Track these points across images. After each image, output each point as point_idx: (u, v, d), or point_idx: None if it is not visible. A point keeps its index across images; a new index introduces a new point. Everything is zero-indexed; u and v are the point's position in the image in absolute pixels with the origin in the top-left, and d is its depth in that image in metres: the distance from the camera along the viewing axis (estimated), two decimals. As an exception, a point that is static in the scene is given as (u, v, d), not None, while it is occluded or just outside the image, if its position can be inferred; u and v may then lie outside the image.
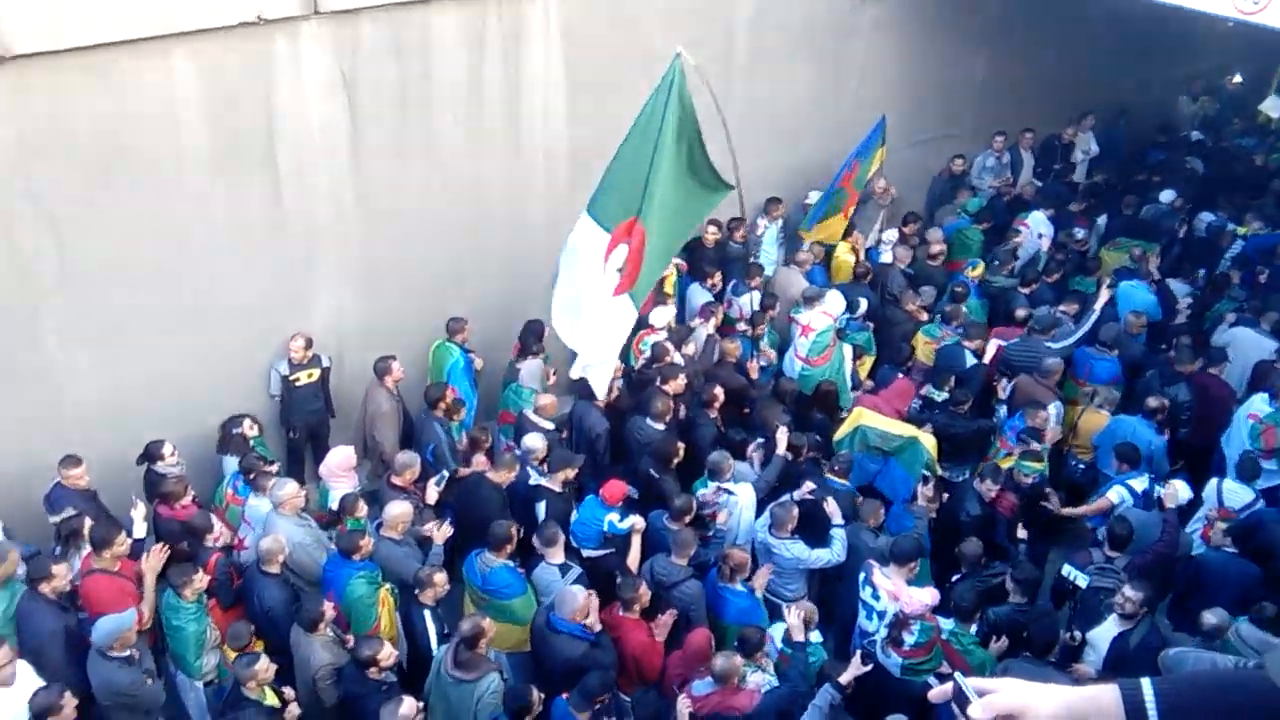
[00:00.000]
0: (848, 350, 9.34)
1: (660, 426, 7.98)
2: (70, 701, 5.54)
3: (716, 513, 7.49)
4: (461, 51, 8.40)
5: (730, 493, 7.50)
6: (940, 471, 8.08)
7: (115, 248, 7.46)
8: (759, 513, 7.53)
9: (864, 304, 9.87)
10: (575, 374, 7.98)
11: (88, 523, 6.72)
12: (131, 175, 7.32)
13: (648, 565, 7.01)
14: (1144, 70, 13.67)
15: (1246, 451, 8.05)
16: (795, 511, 7.21)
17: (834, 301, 9.42)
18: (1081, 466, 8.31)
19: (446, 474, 7.79)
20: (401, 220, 8.68)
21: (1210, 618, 6.52)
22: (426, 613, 6.50)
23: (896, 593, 6.69)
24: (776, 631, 6.72)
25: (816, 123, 11.05)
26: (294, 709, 6.01)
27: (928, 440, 8.00)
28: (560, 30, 8.83)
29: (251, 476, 7.39)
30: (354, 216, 8.45)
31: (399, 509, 6.99)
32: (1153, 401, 8.34)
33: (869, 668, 6.28)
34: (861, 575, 6.99)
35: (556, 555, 6.98)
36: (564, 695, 5.91)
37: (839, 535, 7.24)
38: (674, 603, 6.73)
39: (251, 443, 7.94)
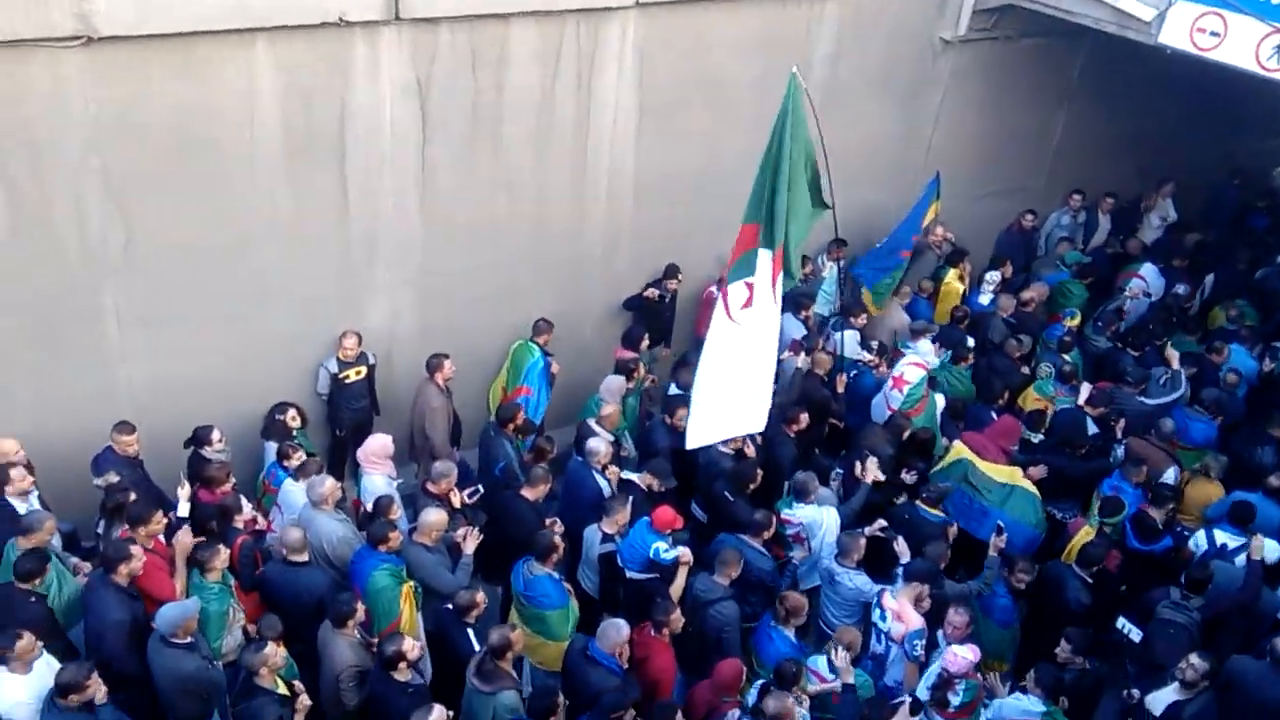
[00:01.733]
0: (940, 400, 9.20)
1: (729, 451, 8.03)
2: (96, 682, 5.57)
3: (800, 535, 7.57)
4: (536, 67, 8.44)
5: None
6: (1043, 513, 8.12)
7: (181, 233, 7.58)
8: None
9: (970, 342, 9.92)
10: (694, 443, 7.79)
11: (132, 499, 6.78)
12: (203, 163, 7.45)
13: (689, 580, 6.98)
14: (1228, 140, 13.33)
15: None
16: (863, 542, 7.23)
17: (926, 351, 9.49)
18: (1188, 535, 8.13)
19: (481, 488, 7.78)
20: (463, 228, 8.73)
21: None
22: (470, 631, 6.46)
23: (900, 613, 6.67)
24: (818, 663, 6.60)
25: (889, 167, 10.92)
26: (304, 699, 5.96)
27: (1030, 485, 8.05)
28: (635, 54, 8.84)
29: (285, 461, 7.47)
30: (417, 221, 8.51)
31: (434, 516, 6.98)
32: (1275, 481, 8.25)
33: (918, 718, 6.17)
34: (874, 599, 6.95)
35: (609, 526, 7.23)
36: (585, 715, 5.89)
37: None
38: (707, 621, 6.70)
39: (295, 434, 8.00)
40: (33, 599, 6.14)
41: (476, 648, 6.38)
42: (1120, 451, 8.80)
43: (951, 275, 10.97)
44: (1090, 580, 7.29)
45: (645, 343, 9.34)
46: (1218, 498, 8.36)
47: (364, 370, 8.57)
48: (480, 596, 6.50)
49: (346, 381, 8.50)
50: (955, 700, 6.24)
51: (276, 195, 7.84)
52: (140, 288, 7.62)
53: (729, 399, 7.64)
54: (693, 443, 7.76)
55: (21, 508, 6.73)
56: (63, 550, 6.86)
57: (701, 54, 9.15)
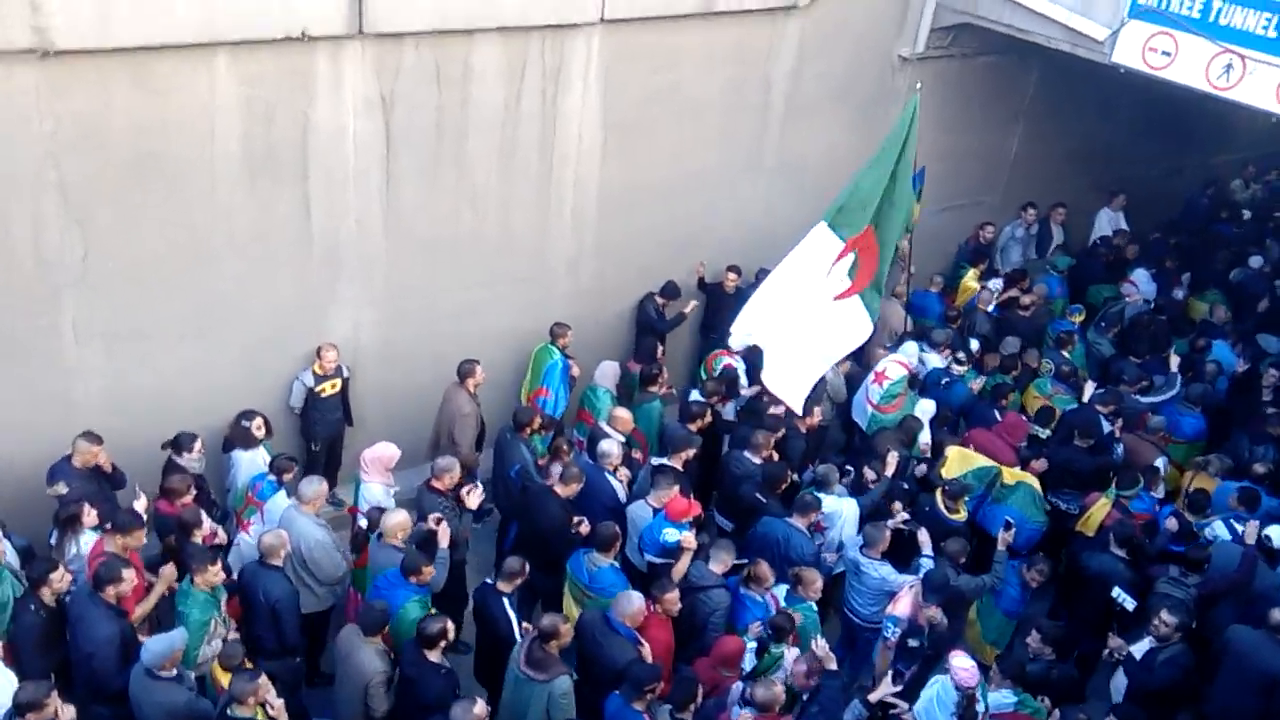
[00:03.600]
0: (927, 404, 9.33)
1: (758, 460, 8.22)
2: (55, 701, 5.45)
3: (821, 524, 7.85)
4: (501, 83, 8.44)
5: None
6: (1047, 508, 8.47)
7: (140, 248, 7.48)
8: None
9: (975, 345, 10.34)
10: (774, 386, 8.66)
11: (87, 510, 6.73)
12: (163, 178, 7.36)
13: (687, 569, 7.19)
14: (1176, 156, 13.68)
15: None
16: (888, 534, 7.53)
17: (910, 351, 9.74)
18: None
19: (479, 482, 7.75)
20: (427, 244, 8.69)
21: (1277, 614, 6.87)
22: (505, 600, 6.66)
23: (898, 600, 7.19)
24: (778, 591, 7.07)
25: (850, 178, 11.03)
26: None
27: (1032, 480, 8.39)
28: (600, 70, 8.87)
29: (284, 476, 7.45)
30: (380, 236, 8.47)
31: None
32: (1260, 468, 8.90)
33: (899, 688, 6.36)
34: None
35: (655, 501, 7.53)
36: (617, 691, 6.02)
37: (926, 565, 7.47)
38: (698, 605, 6.90)
39: (261, 445, 7.94)
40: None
41: (511, 616, 6.62)
42: (1121, 450, 9.18)
43: (971, 274, 11.46)
44: (1129, 559, 7.63)
45: (660, 351, 9.56)
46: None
47: (339, 383, 8.54)
48: (525, 565, 6.74)
49: (322, 395, 8.46)
50: (981, 709, 6.31)
51: (237, 210, 7.76)
52: (98, 302, 7.51)
53: (788, 360, 8.54)
54: (735, 340, 8.86)
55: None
56: (19, 566, 6.73)
57: (667, 70, 9.21)
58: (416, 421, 8.74)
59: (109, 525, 6.63)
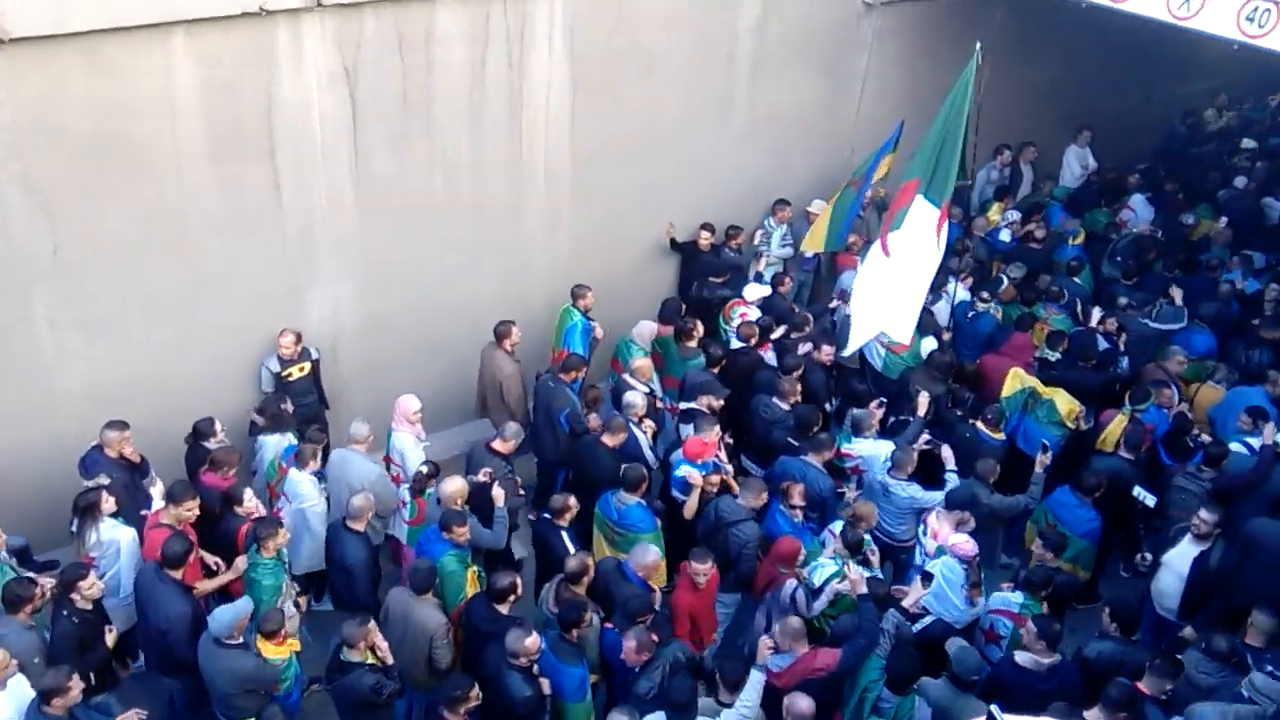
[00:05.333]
0: (928, 342, 9.59)
1: (785, 406, 8.42)
2: (77, 684, 5.58)
3: (859, 467, 8.18)
4: (464, 48, 8.35)
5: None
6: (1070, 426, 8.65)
7: (109, 234, 7.40)
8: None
9: (1005, 281, 10.58)
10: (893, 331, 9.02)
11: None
12: (128, 162, 7.27)
13: (712, 504, 7.43)
14: (1145, 88, 13.71)
15: None
16: (915, 455, 7.83)
17: None
18: (1203, 441, 8.65)
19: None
20: (401, 214, 8.64)
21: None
22: (564, 533, 7.12)
23: (937, 531, 7.39)
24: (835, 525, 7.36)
25: (820, 130, 11.03)
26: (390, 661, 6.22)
27: (1060, 395, 8.67)
28: (564, 31, 8.78)
29: (314, 451, 7.60)
30: (353, 210, 8.40)
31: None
32: (1273, 389, 8.97)
33: (929, 589, 6.78)
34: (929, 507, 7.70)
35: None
36: (607, 624, 6.35)
37: (952, 480, 7.83)
38: (729, 539, 7.16)
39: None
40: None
41: (570, 546, 6.95)
42: (1125, 363, 9.57)
43: (995, 208, 11.88)
44: (1133, 460, 7.96)
45: (684, 309, 9.68)
46: (1219, 399, 9.11)
47: (307, 367, 8.48)
48: (573, 501, 7.15)
49: (290, 379, 8.40)
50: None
51: (205, 191, 7.67)
52: (71, 291, 7.44)
53: (878, 313, 8.93)
54: (851, 346, 9.22)
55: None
56: (19, 565, 6.75)
57: (631, 28, 9.12)
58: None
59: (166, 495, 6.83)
